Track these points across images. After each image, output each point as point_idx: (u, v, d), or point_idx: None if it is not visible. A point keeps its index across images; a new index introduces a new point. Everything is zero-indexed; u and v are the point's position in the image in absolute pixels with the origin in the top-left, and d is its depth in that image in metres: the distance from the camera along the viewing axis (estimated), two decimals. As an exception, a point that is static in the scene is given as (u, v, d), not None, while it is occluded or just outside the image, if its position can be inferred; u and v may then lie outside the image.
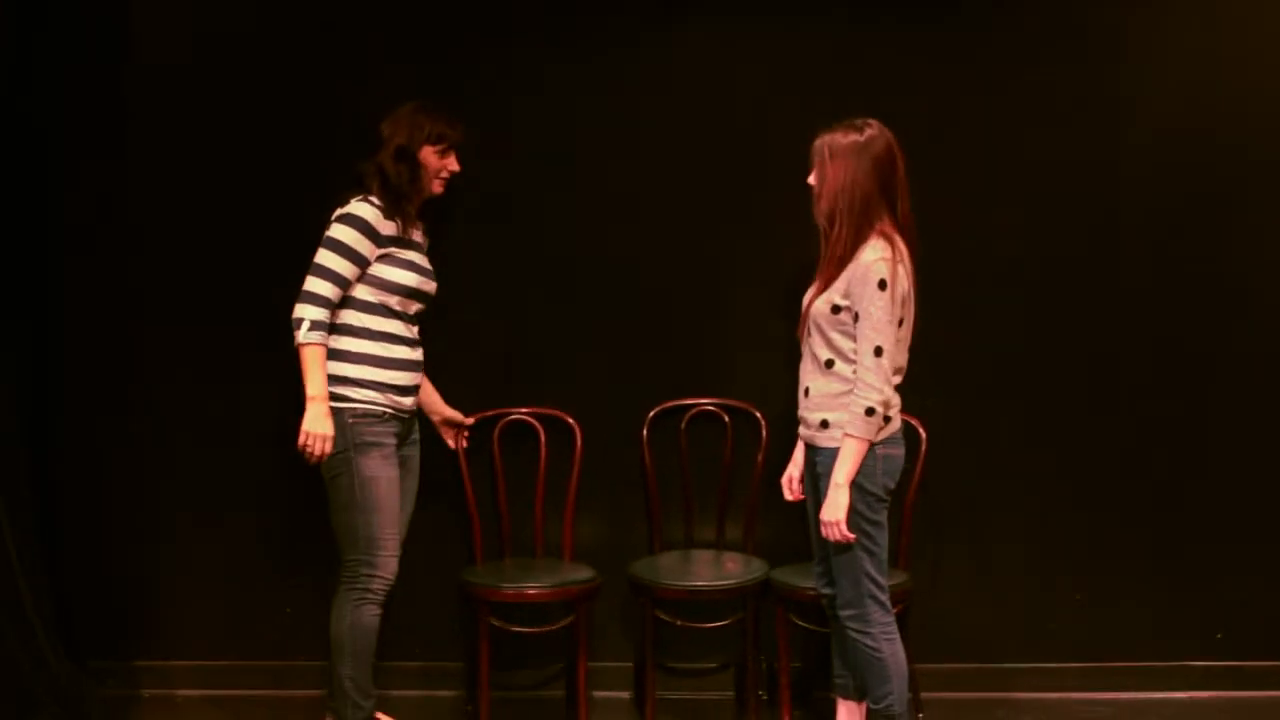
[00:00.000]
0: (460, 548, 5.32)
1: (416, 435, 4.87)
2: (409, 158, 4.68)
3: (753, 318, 5.32)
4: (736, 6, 5.32)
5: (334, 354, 4.57)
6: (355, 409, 4.56)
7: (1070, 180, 5.32)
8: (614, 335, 5.37)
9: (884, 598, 4.36)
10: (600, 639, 5.31)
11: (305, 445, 4.49)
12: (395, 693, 5.32)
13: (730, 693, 5.43)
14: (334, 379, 4.55)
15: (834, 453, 4.29)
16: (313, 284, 4.53)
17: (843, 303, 4.28)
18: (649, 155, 5.34)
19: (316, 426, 4.48)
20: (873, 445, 4.27)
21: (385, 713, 4.89)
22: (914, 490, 5.15)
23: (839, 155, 4.31)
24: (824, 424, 4.33)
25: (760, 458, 5.27)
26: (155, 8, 5.34)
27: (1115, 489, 5.39)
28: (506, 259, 5.36)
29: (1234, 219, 5.34)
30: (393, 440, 4.64)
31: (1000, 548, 5.41)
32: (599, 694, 5.32)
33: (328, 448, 4.49)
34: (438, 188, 4.79)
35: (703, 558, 5.31)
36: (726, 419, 5.32)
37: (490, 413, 5.33)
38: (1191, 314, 5.35)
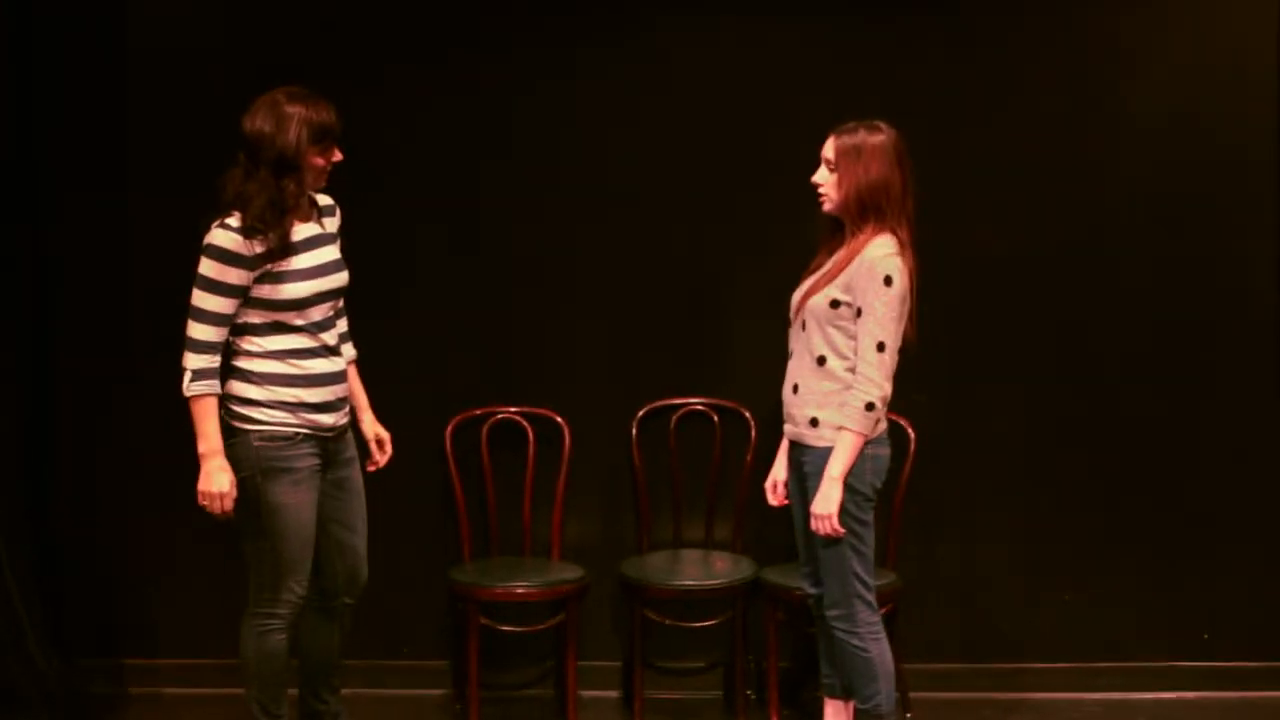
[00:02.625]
0: (448, 546, 5.31)
1: (351, 453, 4.44)
2: (293, 169, 4.16)
3: (743, 317, 5.32)
4: (731, 4, 5.32)
5: (238, 374, 4.23)
6: (262, 431, 4.20)
7: (1063, 178, 5.31)
8: (603, 334, 5.37)
9: (870, 597, 4.36)
10: (589, 638, 5.31)
11: (204, 505, 4.19)
12: (383, 691, 5.33)
13: (719, 692, 5.43)
14: (240, 400, 4.22)
15: (823, 452, 4.27)
16: (192, 329, 4.14)
17: (843, 298, 4.25)
18: (640, 153, 5.33)
19: (211, 485, 4.15)
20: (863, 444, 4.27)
21: (369, 714, 4.84)
22: (903, 490, 5.15)
23: (872, 153, 4.27)
24: (813, 422, 4.31)
25: (750, 457, 5.27)
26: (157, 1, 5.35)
27: (1103, 490, 5.39)
28: (495, 257, 5.36)
29: (1230, 218, 5.33)
30: (307, 464, 4.25)
31: (988, 548, 5.41)
32: (587, 693, 5.32)
33: (228, 504, 4.16)
34: (322, 182, 4.31)
35: (691, 557, 5.32)
36: (716, 418, 5.32)
37: (478, 411, 5.32)
38: (1181, 314, 5.36)
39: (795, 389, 4.36)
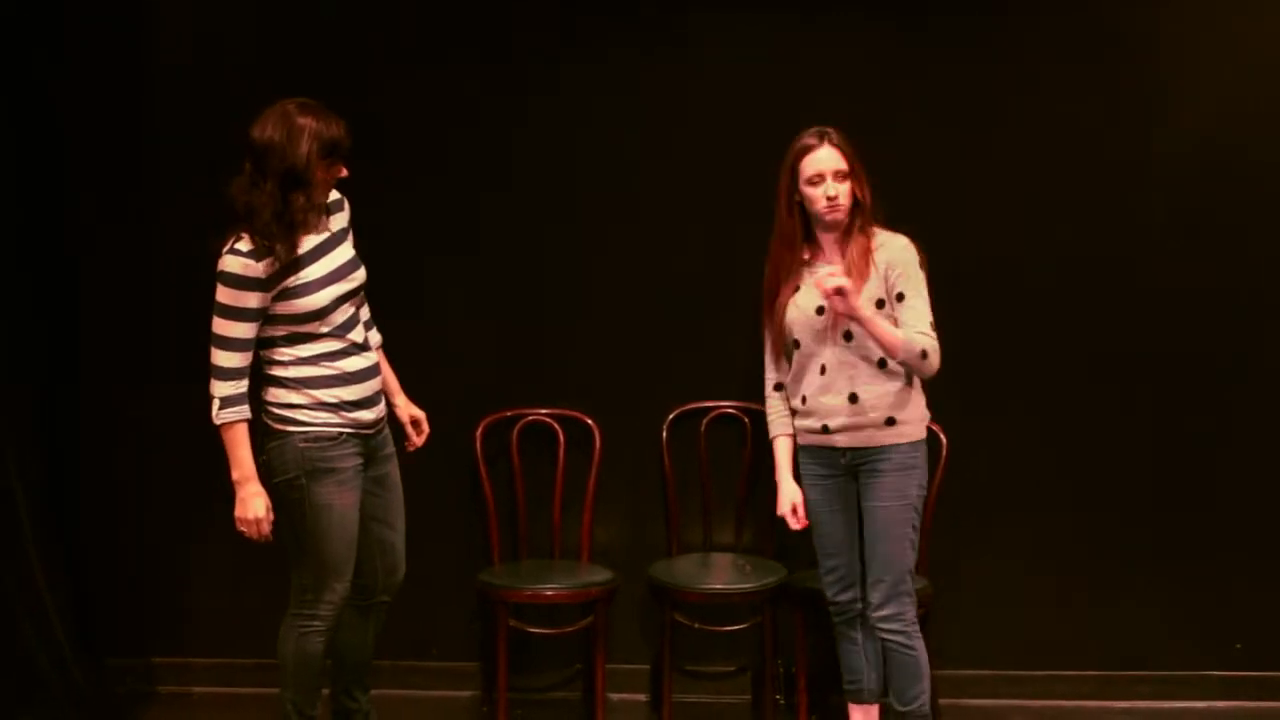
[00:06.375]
0: (477, 548, 5.32)
1: (391, 450, 4.43)
2: (303, 184, 4.08)
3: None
4: (749, 5, 5.31)
5: (275, 382, 4.21)
6: (307, 432, 4.18)
7: (1090, 185, 5.28)
8: (634, 337, 5.37)
9: (914, 595, 4.44)
10: (618, 641, 5.31)
11: (242, 531, 4.19)
12: (412, 693, 5.34)
13: (747, 696, 5.41)
14: (281, 405, 4.20)
15: (904, 447, 4.37)
16: (216, 357, 4.12)
17: (884, 295, 4.32)
18: (671, 156, 5.33)
19: (248, 511, 4.15)
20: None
21: (397, 714, 4.83)
22: (934, 497, 5.13)
23: (858, 157, 4.42)
24: (890, 421, 4.36)
25: (780, 461, 5.26)
26: (170, 8, 5.36)
27: (1135, 497, 5.36)
28: (527, 258, 5.36)
29: (1253, 223, 5.30)
30: (350, 463, 4.25)
31: (1019, 555, 5.39)
32: (616, 696, 5.32)
33: (265, 529, 4.17)
34: (326, 196, 4.23)
35: (721, 561, 5.31)
36: (746, 421, 5.31)
37: (509, 413, 5.32)
38: (1212, 319, 5.32)
39: (854, 398, 4.38)
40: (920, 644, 4.41)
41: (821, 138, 4.40)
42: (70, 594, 5.23)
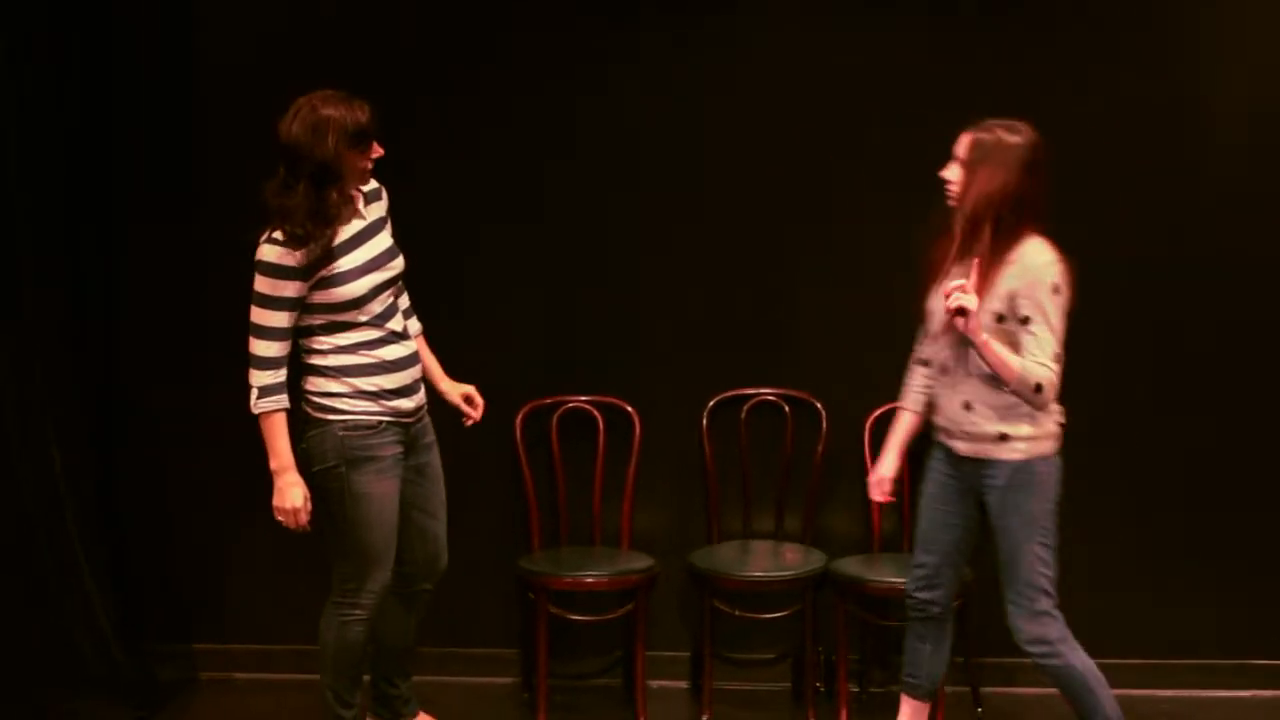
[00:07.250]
0: (518, 535, 5.32)
1: (431, 438, 4.44)
2: (334, 177, 4.09)
3: (814, 307, 5.30)
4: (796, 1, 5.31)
5: (314, 371, 4.22)
6: (347, 421, 4.19)
7: (1143, 176, 5.24)
8: (674, 324, 5.36)
9: (1054, 605, 4.26)
10: (658, 628, 5.29)
11: (280, 520, 4.22)
12: (452, 679, 5.34)
13: (787, 684, 5.41)
14: (321, 394, 4.21)
15: (1016, 465, 4.17)
16: (254, 346, 4.14)
17: (1005, 311, 4.09)
18: (710, 146, 5.31)
19: (286, 501, 4.18)
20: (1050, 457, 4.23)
21: (429, 711, 4.83)
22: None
23: (997, 157, 4.11)
24: (1002, 437, 4.17)
25: (820, 448, 5.25)
26: (218, 5, 5.38)
27: (1179, 487, 5.33)
28: (568, 248, 5.36)
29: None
30: (390, 452, 4.25)
31: (1062, 543, 5.34)
32: (656, 683, 5.31)
33: (303, 519, 4.19)
34: (366, 181, 4.25)
35: (761, 548, 5.30)
36: (787, 409, 5.29)
37: (549, 400, 5.33)
38: (1262, 312, 5.28)
39: (967, 406, 4.20)
40: (1077, 655, 4.22)
41: (975, 126, 4.19)
42: (114, 581, 5.25)
